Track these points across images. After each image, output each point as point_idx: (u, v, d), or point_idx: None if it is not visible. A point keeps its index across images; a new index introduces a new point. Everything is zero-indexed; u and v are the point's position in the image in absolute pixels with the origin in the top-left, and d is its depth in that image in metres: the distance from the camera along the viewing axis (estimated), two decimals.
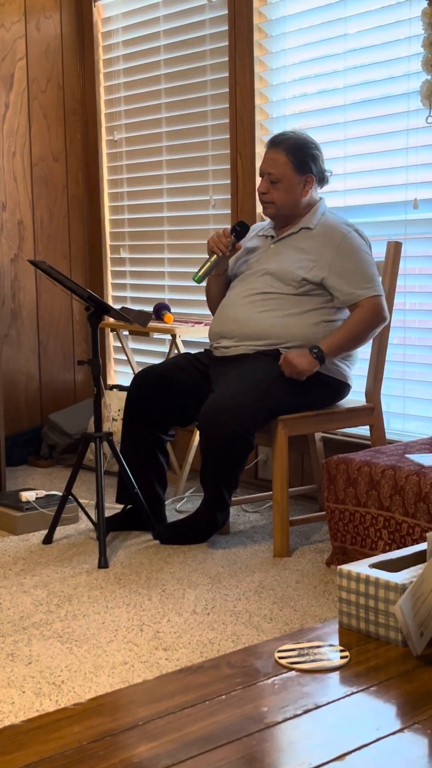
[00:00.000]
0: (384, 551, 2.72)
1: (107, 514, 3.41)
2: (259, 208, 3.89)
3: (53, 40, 4.82)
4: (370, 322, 3.23)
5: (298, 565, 3.13)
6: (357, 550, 2.86)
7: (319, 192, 3.43)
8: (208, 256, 3.40)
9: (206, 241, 3.51)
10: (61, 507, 3.39)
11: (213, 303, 3.54)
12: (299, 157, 3.31)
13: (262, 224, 3.53)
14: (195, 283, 3.46)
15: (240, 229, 3.39)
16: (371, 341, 3.36)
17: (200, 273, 3.37)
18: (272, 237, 3.45)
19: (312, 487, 3.74)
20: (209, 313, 3.71)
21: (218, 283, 3.50)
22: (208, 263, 3.38)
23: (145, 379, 3.39)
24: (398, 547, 2.68)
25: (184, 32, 4.31)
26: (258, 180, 3.83)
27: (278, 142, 3.35)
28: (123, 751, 1.16)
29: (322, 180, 3.39)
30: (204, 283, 3.50)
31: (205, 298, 3.64)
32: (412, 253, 3.51)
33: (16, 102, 4.71)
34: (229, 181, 4.14)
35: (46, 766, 1.12)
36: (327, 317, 3.29)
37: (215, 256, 3.38)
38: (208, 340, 3.52)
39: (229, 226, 3.47)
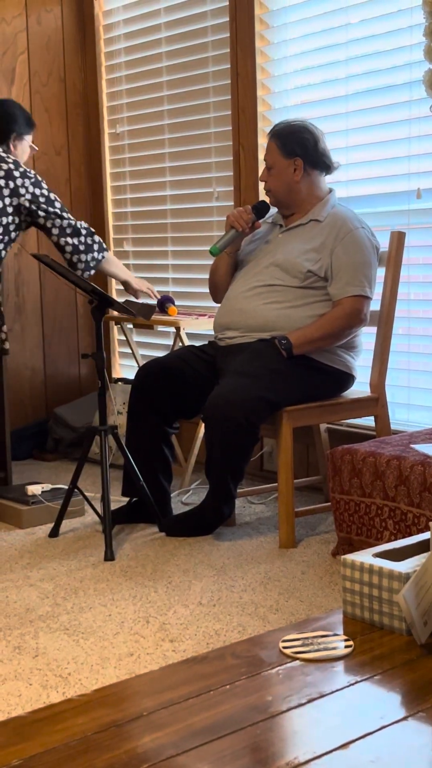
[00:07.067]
0: (389, 541, 2.72)
1: (113, 507, 3.42)
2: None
3: (54, 33, 4.81)
4: (346, 321, 3.23)
5: (304, 556, 3.13)
6: (362, 541, 2.86)
7: (328, 183, 3.44)
8: (226, 231, 3.42)
9: (225, 217, 3.56)
10: (66, 500, 3.39)
11: (217, 283, 3.54)
12: (285, 141, 3.37)
13: (271, 211, 3.55)
14: (210, 255, 3.48)
15: (260, 207, 3.44)
16: (376, 334, 3.35)
17: (218, 244, 3.41)
18: (281, 226, 3.46)
19: (317, 478, 3.74)
20: (214, 305, 3.71)
21: (227, 262, 3.51)
22: (227, 236, 3.42)
23: (150, 371, 3.39)
24: (404, 537, 2.67)
25: (186, 24, 4.30)
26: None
27: (271, 130, 3.44)
28: (128, 741, 1.16)
29: (317, 164, 3.38)
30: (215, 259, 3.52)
31: (207, 291, 3.64)
32: (416, 243, 3.50)
33: (18, 96, 4.70)
34: (231, 173, 4.13)
35: (51, 757, 1.13)
36: (329, 309, 3.29)
37: (234, 230, 3.40)
38: (212, 333, 3.52)
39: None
